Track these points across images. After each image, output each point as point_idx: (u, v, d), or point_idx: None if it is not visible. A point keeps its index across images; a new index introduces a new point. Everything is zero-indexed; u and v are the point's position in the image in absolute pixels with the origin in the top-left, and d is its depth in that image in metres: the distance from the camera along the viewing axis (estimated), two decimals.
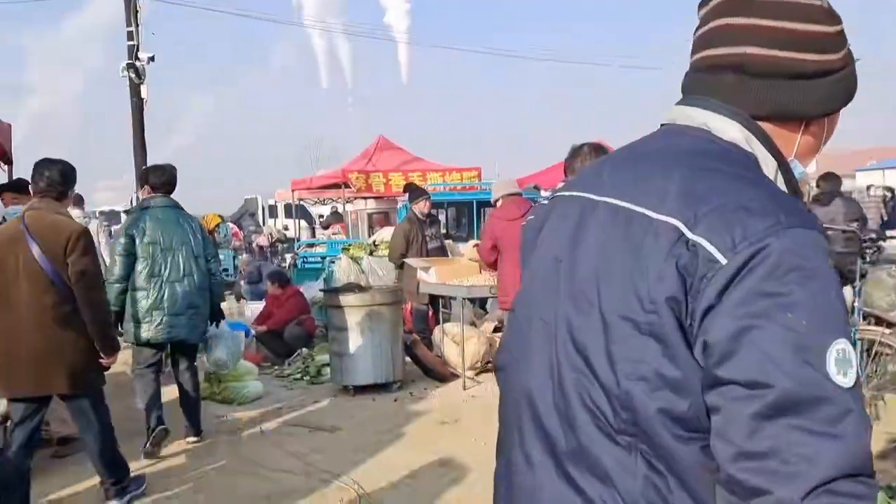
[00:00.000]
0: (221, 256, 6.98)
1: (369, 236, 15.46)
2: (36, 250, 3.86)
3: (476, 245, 10.17)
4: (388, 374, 6.64)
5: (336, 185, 17.94)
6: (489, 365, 7.38)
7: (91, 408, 4.11)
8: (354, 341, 6.51)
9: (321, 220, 25.00)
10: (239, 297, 11.35)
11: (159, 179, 5.41)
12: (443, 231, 8.97)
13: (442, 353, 7.31)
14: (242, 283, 11.50)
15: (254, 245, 20.33)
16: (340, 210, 22.56)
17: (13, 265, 3.86)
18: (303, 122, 75.11)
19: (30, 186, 4.29)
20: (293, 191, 20.08)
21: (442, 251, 8.50)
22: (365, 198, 16.88)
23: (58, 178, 4.08)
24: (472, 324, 9.13)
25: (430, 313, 8.46)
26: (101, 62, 66.39)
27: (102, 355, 4.06)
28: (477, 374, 7.21)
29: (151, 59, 12.15)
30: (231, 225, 21.89)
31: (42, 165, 4.10)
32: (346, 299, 6.57)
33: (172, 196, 5.47)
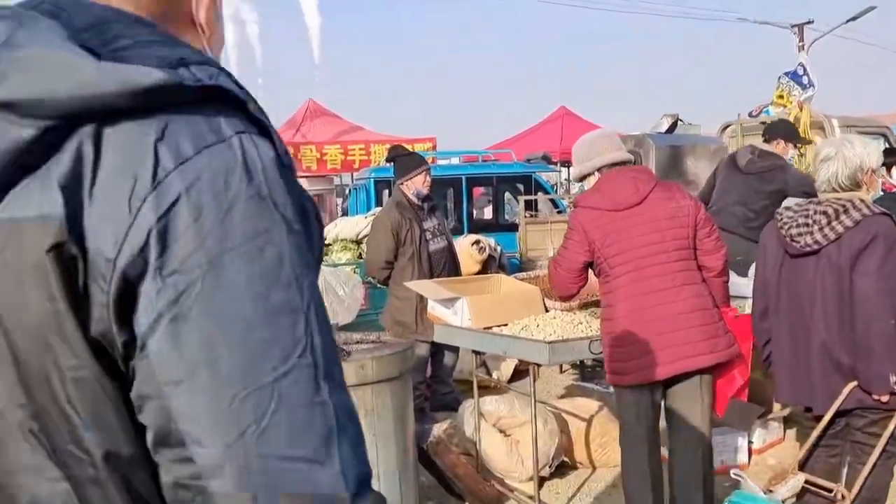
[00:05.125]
0: None
1: None
2: None
3: (476, 243, 6.87)
4: None
5: None
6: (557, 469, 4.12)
7: None
8: None
9: None
10: None
11: None
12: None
13: (478, 450, 3.99)
14: None
15: None
16: None
17: None
18: None
19: None
20: None
21: (450, 255, 5.15)
22: None
23: None
24: (486, 371, 5.86)
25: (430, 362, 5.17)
26: None
27: None
28: (540, 487, 3.92)
29: None
30: None
31: None
32: None
33: None
